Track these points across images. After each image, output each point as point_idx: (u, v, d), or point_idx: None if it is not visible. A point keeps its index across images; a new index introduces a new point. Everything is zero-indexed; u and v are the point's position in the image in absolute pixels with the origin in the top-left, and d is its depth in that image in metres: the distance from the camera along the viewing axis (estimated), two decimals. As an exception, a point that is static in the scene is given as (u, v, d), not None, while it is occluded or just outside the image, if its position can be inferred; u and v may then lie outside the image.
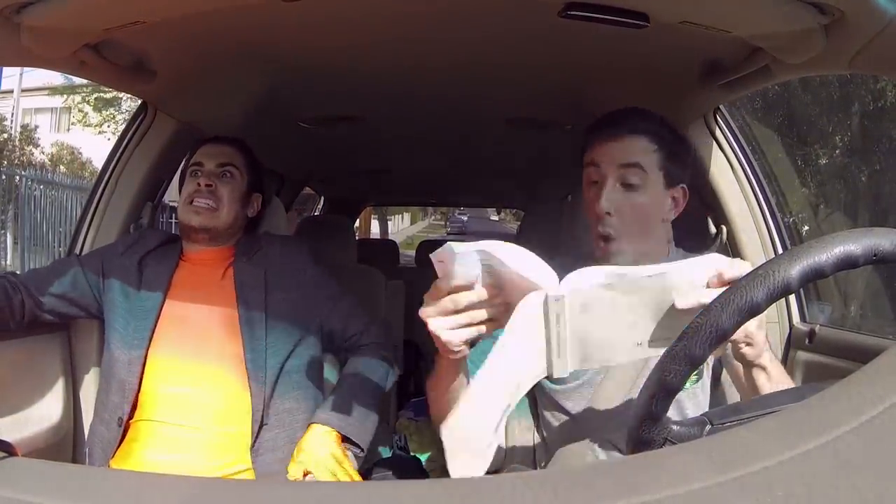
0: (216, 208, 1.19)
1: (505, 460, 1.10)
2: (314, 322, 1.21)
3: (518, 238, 2.56)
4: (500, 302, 0.67)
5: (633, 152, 0.93)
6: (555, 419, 1.03)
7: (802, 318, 1.25)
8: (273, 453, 1.11)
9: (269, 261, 1.21)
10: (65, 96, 11.57)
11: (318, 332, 1.22)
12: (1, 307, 1.09)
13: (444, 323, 0.69)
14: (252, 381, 1.11)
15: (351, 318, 1.23)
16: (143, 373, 1.12)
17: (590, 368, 0.93)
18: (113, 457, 1.10)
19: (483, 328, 0.70)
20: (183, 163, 1.35)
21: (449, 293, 0.67)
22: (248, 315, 1.15)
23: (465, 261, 0.66)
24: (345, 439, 1.07)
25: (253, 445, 1.10)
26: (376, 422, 1.14)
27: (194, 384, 1.11)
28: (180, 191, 1.26)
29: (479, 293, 0.67)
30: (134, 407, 1.11)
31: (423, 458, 1.92)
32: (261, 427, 1.11)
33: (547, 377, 0.67)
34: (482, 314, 0.68)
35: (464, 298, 0.67)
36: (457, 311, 0.68)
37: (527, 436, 1.14)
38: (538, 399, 1.08)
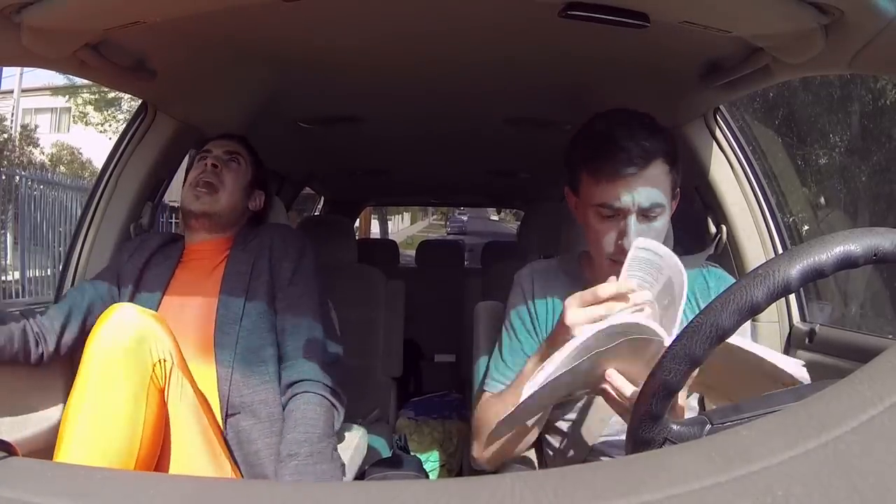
0: (217, 190, 1.21)
1: (505, 460, 1.10)
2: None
3: (518, 238, 2.56)
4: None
5: (653, 193, 0.88)
6: (551, 437, 1.04)
7: (802, 317, 1.25)
8: (250, 445, 1.09)
9: (262, 248, 1.21)
10: (67, 96, 11.57)
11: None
12: (16, 354, 1.07)
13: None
14: (218, 364, 1.11)
15: (295, 332, 1.15)
16: None
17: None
18: None
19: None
20: (187, 160, 1.34)
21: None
22: (227, 299, 1.15)
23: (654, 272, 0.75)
24: None
25: (225, 434, 1.09)
26: (331, 471, 1.07)
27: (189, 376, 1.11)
28: (183, 189, 1.27)
29: (637, 297, 0.74)
30: None
31: (423, 457, 1.92)
32: (228, 414, 1.10)
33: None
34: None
35: (619, 307, 0.75)
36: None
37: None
38: None
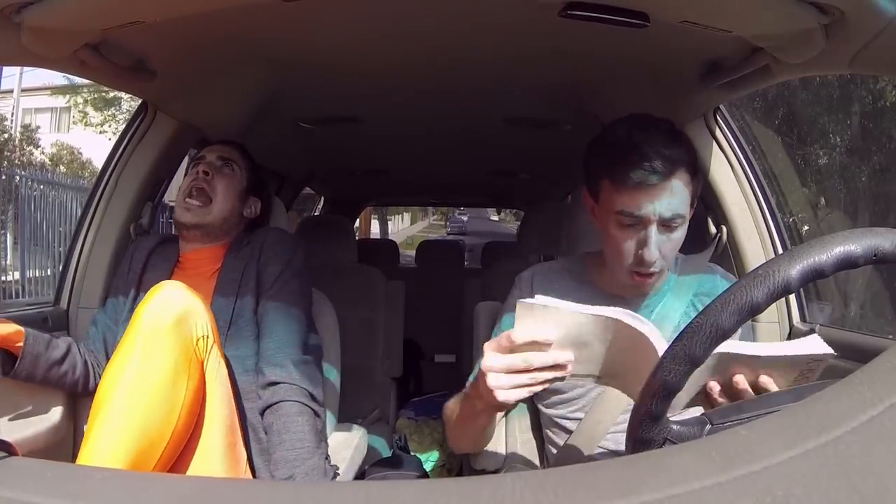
0: (209, 200, 1.20)
1: (505, 460, 1.11)
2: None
3: (518, 238, 2.57)
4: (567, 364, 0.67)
5: (674, 203, 0.87)
6: (555, 435, 1.04)
7: (802, 318, 1.25)
8: None
9: (252, 253, 1.20)
10: (67, 97, 11.56)
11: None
12: (76, 381, 1.12)
13: (506, 381, 0.68)
14: None
15: (270, 332, 1.14)
16: None
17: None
18: None
19: (539, 388, 0.69)
20: (187, 159, 1.33)
21: (520, 347, 0.67)
22: (218, 308, 1.14)
23: (552, 317, 0.66)
24: None
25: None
26: (321, 468, 1.06)
27: None
28: (176, 198, 1.26)
29: (557, 357, 0.66)
30: None
31: (423, 457, 1.92)
32: None
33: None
34: (546, 376, 0.67)
35: (538, 360, 0.66)
36: (525, 371, 0.67)
37: (527, 436, 1.14)
38: (539, 414, 1.09)
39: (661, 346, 0.63)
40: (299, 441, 1.05)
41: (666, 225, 0.88)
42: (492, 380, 0.68)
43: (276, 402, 1.08)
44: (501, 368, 0.68)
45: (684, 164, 0.88)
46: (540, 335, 0.66)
